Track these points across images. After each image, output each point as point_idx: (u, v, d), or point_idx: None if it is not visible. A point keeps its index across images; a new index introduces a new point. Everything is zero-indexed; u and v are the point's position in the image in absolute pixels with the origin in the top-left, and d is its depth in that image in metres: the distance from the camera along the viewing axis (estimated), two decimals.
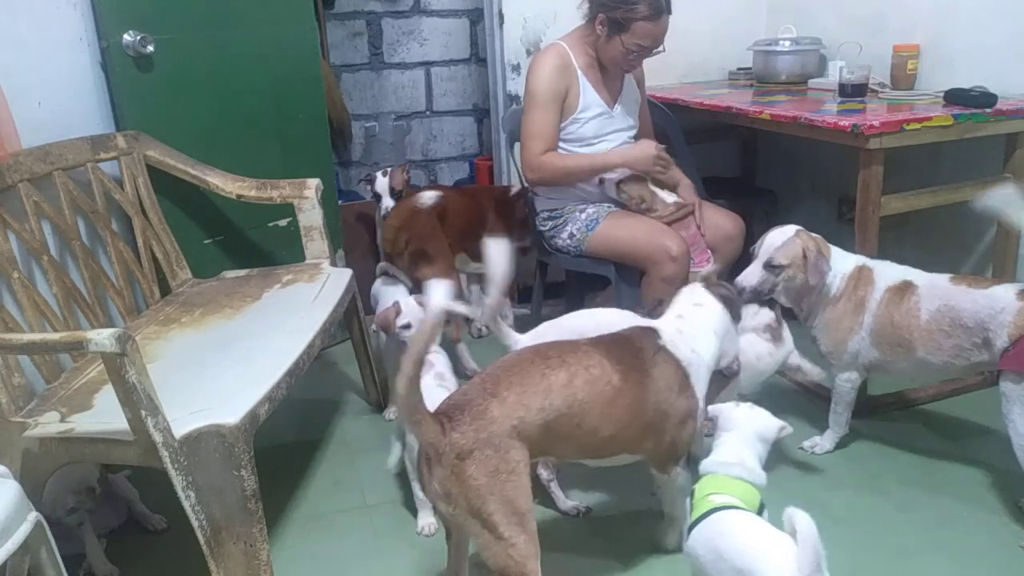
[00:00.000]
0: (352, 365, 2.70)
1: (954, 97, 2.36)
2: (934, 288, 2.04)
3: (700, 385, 1.72)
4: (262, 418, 1.73)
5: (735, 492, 1.53)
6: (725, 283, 1.80)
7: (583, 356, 1.60)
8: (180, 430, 1.60)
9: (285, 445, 2.45)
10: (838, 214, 3.26)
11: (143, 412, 1.52)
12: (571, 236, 2.55)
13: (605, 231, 2.45)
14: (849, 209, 2.93)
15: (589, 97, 2.51)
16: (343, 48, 3.99)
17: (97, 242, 2.30)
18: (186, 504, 1.61)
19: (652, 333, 1.72)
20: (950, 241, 2.77)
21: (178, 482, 1.59)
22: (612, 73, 2.55)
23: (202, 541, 1.64)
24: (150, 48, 2.38)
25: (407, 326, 2.17)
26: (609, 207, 2.54)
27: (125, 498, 2.06)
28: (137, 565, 1.93)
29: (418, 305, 2.17)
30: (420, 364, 1.40)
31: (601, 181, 2.52)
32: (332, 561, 1.95)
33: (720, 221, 2.55)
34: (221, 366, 1.89)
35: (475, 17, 4.09)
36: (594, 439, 1.60)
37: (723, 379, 1.93)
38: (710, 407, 1.72)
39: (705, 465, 1.62)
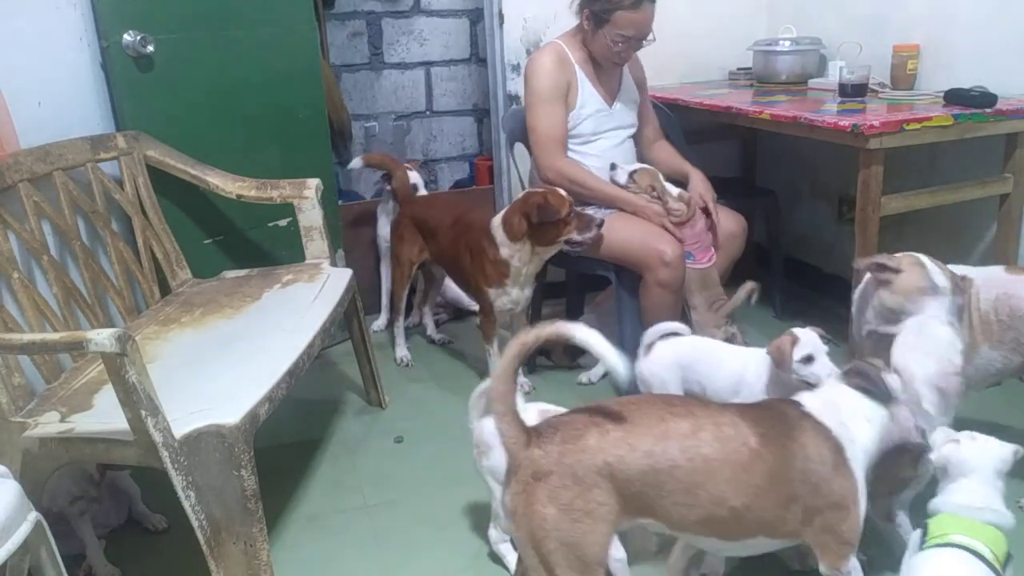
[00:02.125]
0: (352, 365, 2.70)
1: (954, 97, 2.36)
2: (989, 279, 1.97)
3: (857, 467, 1.45)
4: (262, 418, 1.73)
5: (983, 537, 1.37)
6: (862, 367, 1.55)
7: (714, 411, 1.40)
8: (180, 430, 1.59)
9: (285, 445, 2.45)
10: (838, 214, 3.26)
11: (143, 412, 1.52)
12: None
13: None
14: (849, 209, 2.93)
15: (587, 94, 2.52)
16: (343, 48, 3.99)
17: (97, 242, 2.30)
18: (186, 504, 1.61)
19: (792, 401, 1.51)
20: (950, 241, 2.77)
21: (178, 482, 1.59)
22: (609, 70, 2.55)
23: (202, 541, 1.64)
24: (150, 48, 2.38)
25: (808, 359, 1.83)
26: (608, 209, 2.54)
27: (127, 494, 2.06)
28: (137, 565, 1.93)
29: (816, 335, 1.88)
30: (523, 353, 1.29)
31: (613, 167, 2.51)
32: (332, 561, 1.95)
33: (723, 220, 2.54)
34: (221, 366, 1.89)
35: (475, 17, 4.09)
36: (720, 509, 1.35)
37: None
38: (935, 455, 1.53)
39: (942, 504, 1.46)
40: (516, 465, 1.31)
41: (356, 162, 3.19)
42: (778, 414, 1.44)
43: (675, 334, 2.09)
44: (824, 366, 1.82)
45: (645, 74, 2.74)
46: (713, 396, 1.97)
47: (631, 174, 2.50)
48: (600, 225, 2.34)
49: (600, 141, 2.55)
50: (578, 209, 2.38)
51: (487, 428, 1.74)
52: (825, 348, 1.84)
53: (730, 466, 1.35)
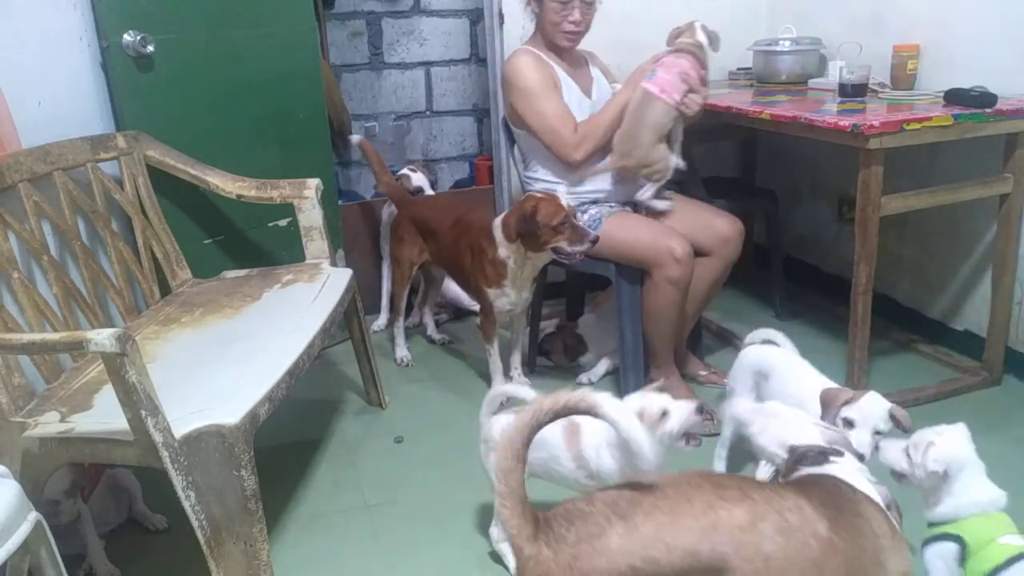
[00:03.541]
0: (352, 365, 2.70)
1: (954, 97, 2.35)
2: None
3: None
4: (262, 418, 1.73)
5: (1013, 529, 1.40)
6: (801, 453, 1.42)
7: (774, 495, 1.16)
8: (180, 430, 1.59)
9: (285, 445, 2.44)
10: (838, 214, 3.26)
11: (143, 412, 1.52)
12: None
13: (608, 232, 2.44)
14: (849, 209, 2.93)
15: (567, 87, 2.55)
16: (343, 48, 3.99)
17: (97, 242, 2.30)
18: (186, 504, 1.61)
19: (830, 475, 1.31)
20: (950, 241, 2.77)
21: (178, 482, 1.59)
22: (577, 64, 2.59)
23: (202, 541, 1.64)
24: (150, 48, 2.38)
25: (849, 423, 1.67)
26: (612, 208, 2.54)
27: (128, 492, 2.06)
28: (137, 565, 1.93)
29: None
30: (536, 427, 1.10)
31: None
32: (332, 561, 1.95)
33: (717, 223, 2.52)
34: (221, 366, 1.89)
35: (475, 17, 4.09)
36: None
37: None
38: (931, 465, 1.46)
39: (960, 507, 1.44)
40: (521, 565, 1.09)
41: (355, 138, 3.23)
42: (831, 489, 1.23)
43: (770, 342, 2.11)
44: (860, 444, 1.64)
45: (606, 64, 2.76)
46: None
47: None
48: (594, 241, 2.33)
49: None
50: (575, 221, 2.37)
51: (499, 426, 1.76)
52: (880, 425, 1.68)
53: (799, 567, 1.11)
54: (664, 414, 1.61)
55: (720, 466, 2.11)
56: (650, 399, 1.65)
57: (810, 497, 1.17)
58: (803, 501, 1.15)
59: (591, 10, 2.48)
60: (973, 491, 1.48)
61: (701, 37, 2.41)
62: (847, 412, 1.69)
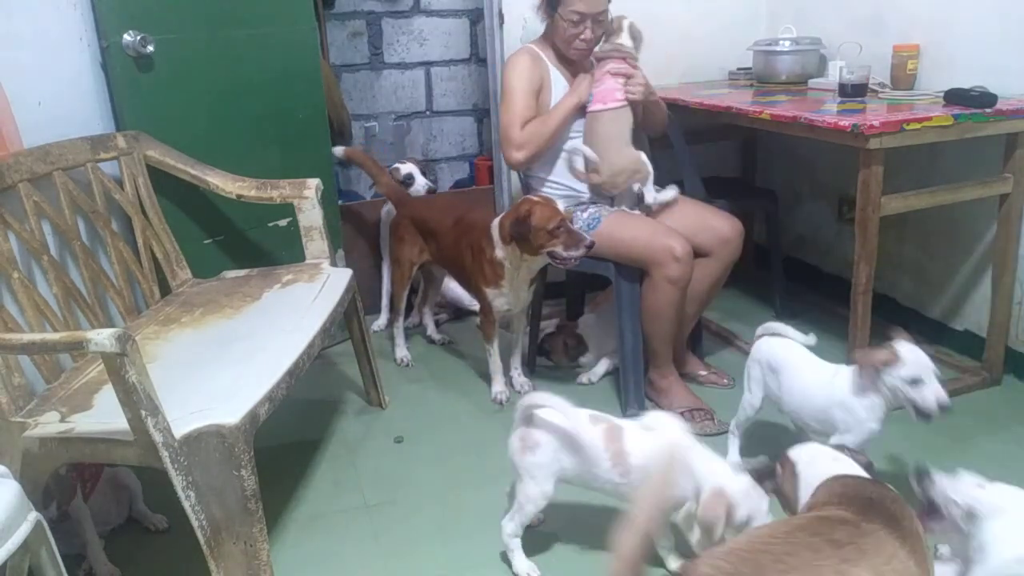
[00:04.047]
0: (352, 365, 2.70)
1: (954, 97, 2.35)
2: None
3: None
4: (262, 418, 1.73)
5: None
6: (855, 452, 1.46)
7: (877, 542, 1.15)
8: (180, 430, 1.60)
9: (285, 445, 2.45)
10: (838, 214, 3.26)
11: (143, 412, 1.52)
12: None
13: (607, 231, 2.45)
14: (849, 209, 2.93)
15: (560, 90, 2.55)
16: (343, 48, 3.99)
17: (97, 242, 2.30)
18: (186, 504, 1.61)
19: (878, 484, 1.32)
20: (950, 241, 2.77)
21: (178, 482, 1.59)
22: (579, 69, 2.58)
23: (202, 541, 1.64)
24: (150, 48, 2.38)
25: (916, 381, 1.72)
26: (611, 207, 2.54)
27: (128, 490, 2.05)
28: (137, 565, 1.93)
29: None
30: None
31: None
32: (332, 561, 1.95)
33: (716, 224, 2.52)
34: (221, 366, 1.89)
35: (475, 17, 4.09)
36: None
37: None
38: (959, 501, 1.39)
39: (993, 572, 1.32)
40: None
41: (338, 150, 3.18)
42: (894, 507, 1.21)
43: (778, 335, 2.11)
44: (934, 391, 1.71)
45: None
46: (790, 410, 2.01)
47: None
48: (590, 246, 2.32)
49: (577, 138, 2.55)
50: (570, 226, 2.36)
51: (540, 426, 1.77)
52: (933, 367, 1.73)
53: None
54: (746, 500, 1.60)
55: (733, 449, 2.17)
56: (746, 486, 1.61)
57: (892, 529, 1.16)
58: (892, 538, 1.15)
59: (601, 28, 2.49)
60: (1004, 547, 1.32)
61: (626, 39, 2.49)
62: (907, 372, 1.71)
